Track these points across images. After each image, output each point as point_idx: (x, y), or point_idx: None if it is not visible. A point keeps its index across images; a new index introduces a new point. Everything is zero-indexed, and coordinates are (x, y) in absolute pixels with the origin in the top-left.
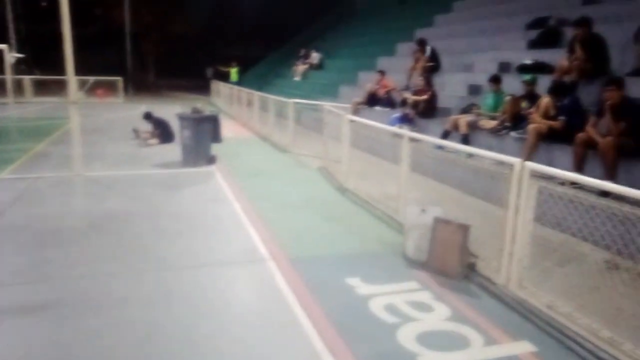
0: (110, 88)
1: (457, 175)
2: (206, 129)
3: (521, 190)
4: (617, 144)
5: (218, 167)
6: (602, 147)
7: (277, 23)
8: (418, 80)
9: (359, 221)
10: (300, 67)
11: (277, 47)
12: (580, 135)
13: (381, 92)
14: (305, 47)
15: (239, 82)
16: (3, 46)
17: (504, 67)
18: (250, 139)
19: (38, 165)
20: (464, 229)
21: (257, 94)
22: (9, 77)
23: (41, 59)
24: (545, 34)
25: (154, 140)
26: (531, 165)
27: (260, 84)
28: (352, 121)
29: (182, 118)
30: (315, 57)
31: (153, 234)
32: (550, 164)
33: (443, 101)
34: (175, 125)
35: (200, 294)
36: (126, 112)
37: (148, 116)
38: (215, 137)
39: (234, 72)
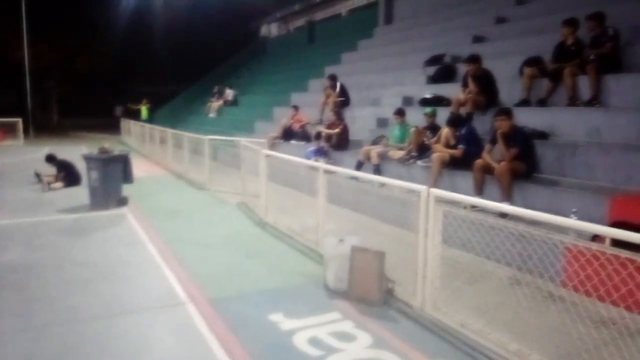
0: (9, 130)
1: (372, 204)
2: (115, 170)
3: (428, 215)
4: (510, 168)
5: (130, 209)
6: (497, 172)
7: (189, 60)
8: (330, 115)
9: (280, 255)
10: (215, 104)
11: (190, 85)
12: (478, 162)
13: (296, 127)
14: (218, 84)
15: (150, 120)
16: None
17: (407, 100)
18: (164, 178)
19: None
20: (380, 256)
21: (170, 131)
22: None
23: None
24: (442, 70)
25: (59, 184)
26: (436, 191)
27: (174, 122)
28: (268, 156)
29: (88, 159)
30: (229, 93)
31: (59, 284)
32: (454, 189)
33: (355, 134)
34: (82, 167)
35: (114, 345)
36: (27, 155)
37: (51, 158)
38: (126, 177)
39: (144, 109)
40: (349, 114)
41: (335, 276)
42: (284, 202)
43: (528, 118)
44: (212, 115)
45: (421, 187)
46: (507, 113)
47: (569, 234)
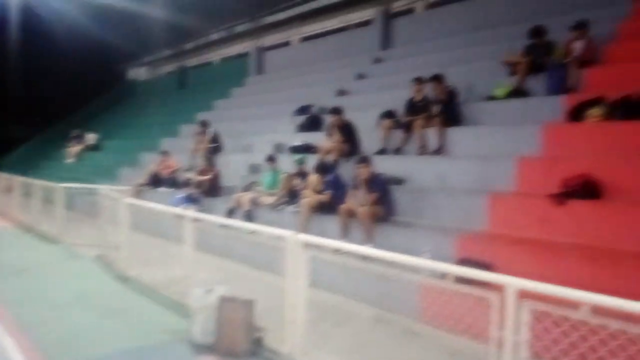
0: None
1: (243, 251)
2: None
3: (296, 260)
4: (371, 212)
5: None
6: (360, 216)
7: (44, 102)
8: (201, 161)
9: (142, 311)
10: (74, 149)
11: (45, 128)
12: (342, 207)
13: (165, 173)
14: (78, 127)
15: None
16: None
17: (279, 147)
18: (10, 231)
19: None
20: (248, 304)
21: (18, 179)
22: None
23: None
24: (309, 120)
25: None
26: (302, 236)
27: (25, 168)
28: (130, 204)
29: None
30: (91, 137)
31: None
32: (323, 233)
33: (227, 180)
34: None
35: None
36: None
37: None
38: None
39: None
40: (221, 160)
41: (202, 329)
42: (148, 253)
43: (385, 165)
44: (70, 160)
45: (288, 233)
46: (366, 161)
47: (423, 273)
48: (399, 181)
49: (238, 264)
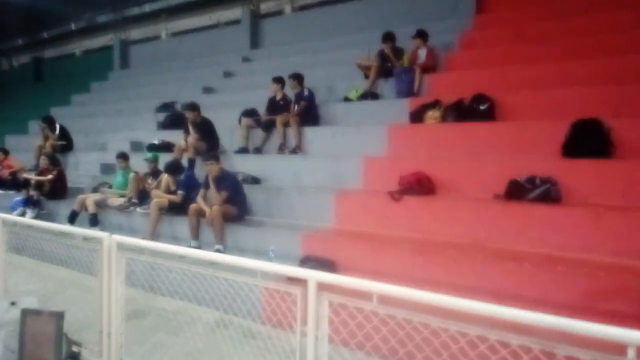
0: None
1: (61, 254)
2: None
3: (111, 264)
4: (221, 212)
5: None
6: (209, 215)
7: None
8: (43, 160)
9: None
10: None
11: None
12: (193, 206)
13: (5, 174)
14: None
15: None
16: None
17: (136, 146)
18: None
19: None
20: (58, 317)
21: None
22: None
23: None
24: (172, 117)
25: None
26: (118, 238)
27: None
28: None
29: None
30: None
31: None
32: (174, 234)
33: (76, 181)
34: None
35: None
36: None
37: None
38: None
39: None
40: (72, 160)
41: (4, 347)
42: None
43: (246, 165)
44: None
45: (103, 235)
46: (215, 157)
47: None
48: (256, 180)
49: (58, 269)
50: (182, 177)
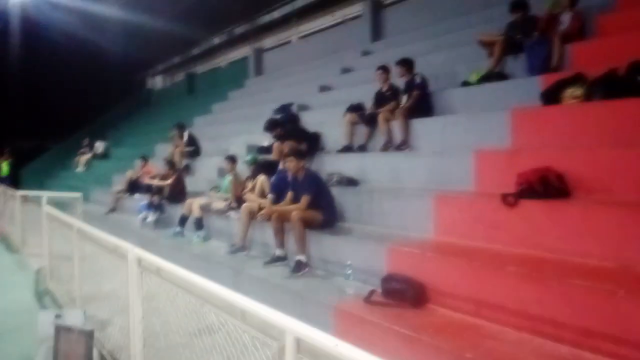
0: None
1: None
2: None
3: (133, 281)
4: (302, 218)
5: None
6: (291, 222)
7: (63, 113)
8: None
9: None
10: (83, 157)
11: (64, 138)
12: (274, 210)
13: (145, 179)
14: (95, 136)
15: (13, 177)
16: None
17: (251, 149)
18: None
19: None
20: (87, 335)
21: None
22: None
23: None
24: (283, 119)
25: None
26: (139, 253)
27: (44, 178)
28: (49, 214)
29: None
30: (99, 146)
31: None
32: (264, 240)
33: (196, 185)
34: None
35: None
36: None
37: None
38: None
39: (4, 165)
40: (198, 164)
41: None
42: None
43: (347, 164)
44: (79, 169)
45: (128, 247)
46: (296, 153)
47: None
48: (352, 182)
49: None
50: (272, 179)
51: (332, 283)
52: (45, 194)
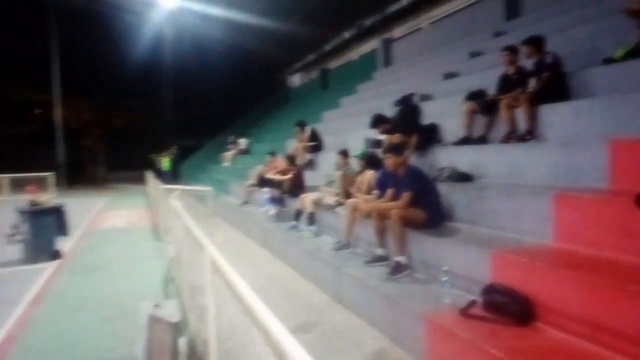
0: (43, 183)
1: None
2: (47, 222)
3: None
4: (402, 216)
5: (58, 263)
6: (390, 220)
7: (217, 112)
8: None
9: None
10: (229, 153)
11: (216, 135)
12: (374, 208)
13: (269, 174)
14: (239, 133)
15: (173, 171)
16: None
17: (370, 143)
18: (139, 229)
19: None
20: (172, 327)
21: (154, 184)
22: None
23: None
24: (403, 110)
25: (19, 237)
26: (211, 253)
27: (197, 172)
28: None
29: (19, 212)
30: (242, 142)
31: None
32: (369, 238)
33: (315, 179)
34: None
35: None
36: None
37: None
38: (61, 229)
39: (165, 160)
40: (319, 159)
41: (142, 348)
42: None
43: (464, 158)
44: (226, 164)
45: (206, 244)
46: (394, 149)
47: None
48: (466, 177)
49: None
50: (379, 174)
51: (430, 289)
52: (180, 188)
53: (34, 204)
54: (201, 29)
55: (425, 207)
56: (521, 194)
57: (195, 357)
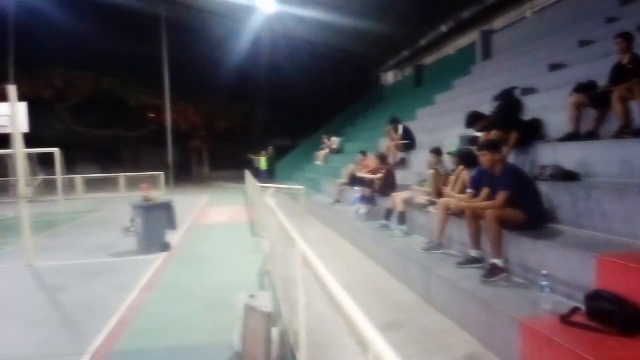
0: (154, 182)
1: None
2: (158, 217)
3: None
4: (498, 217)
5: (168, 254)
6: (485, 221)
7: (313, 112)
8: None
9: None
10: (322, 153)
11: (311, 135)
12: (467, 207)
13: (360, 173)
14: (332, 133)
15: (270, 170)
16: (55, 150)
17: (466, 140)
18: (238, 224)
19: (5, 255)
20: (267, 317)
21: (252, 182)
22: (59, 176)
23: (99, 159)
24: (502, 106)
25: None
26: (303, 249)
27: (293, 170)
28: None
29: (134, 207)
30: (334, 141)
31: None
32: (462, 239)
33: (408, 178)
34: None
35: None
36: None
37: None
38: (170, 224)
39: (263, 160)
40: (412, 158)
41: (238, 336)
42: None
43: (571, 155)
44: (318, 163)
45: (297, 238)
46: (489, 146)
47: None
48: (571, 176)
49: None
50: (473, 173)
51: (528, 294)
52: (274, 186)
53: (147, 199)
54: (297, 31)
55: (524, 207)
56: (635, 195)
57: (287, 348)
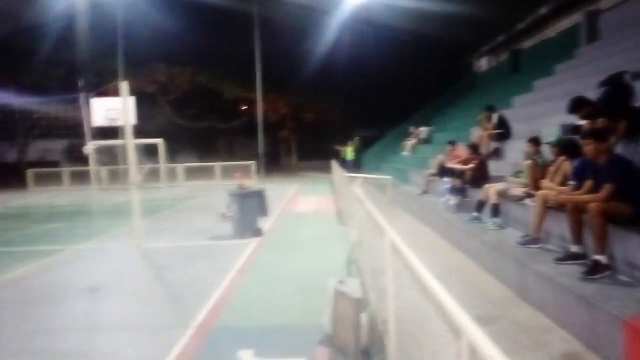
0: (246, 171)
1: None
2: (252, 204)
3: (388, 262)
4: (602, 211)
5: (260, 239)
6: (589, 215)
7: (400, 102)
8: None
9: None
10: (409, 143)
11: (398, 125)
12: (568, 200)
13: (450, 163)
14: (420, 123)
15: (357, 161)
16: (159, 141)
17: (565, 130)
18: (326, 213)
19: (118, 237)
20: (357, 303)
21: (338, 172)
22: (163, 165)
23: (196, 149)
24: (609, 92)
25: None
26: (393, 237)
27: (379, 161)
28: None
29: (230, 195)
30: (423, 131)
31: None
32: (562, 234)
33: (502, 169)
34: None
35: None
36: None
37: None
38: (263, 211)
39: (349, 151)
40: (507, 148)
41: (328, 319)
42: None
43: None
44: (405, 153)
45: (387, 229)
46: (595, 135)
47: None
48: None
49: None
50: (576, 163)
51: (634, 293)
52: (361, 177)
53: (241, 188)
54: (384, 19)
55: (632, 201)
56: None
57: (376, 334)
